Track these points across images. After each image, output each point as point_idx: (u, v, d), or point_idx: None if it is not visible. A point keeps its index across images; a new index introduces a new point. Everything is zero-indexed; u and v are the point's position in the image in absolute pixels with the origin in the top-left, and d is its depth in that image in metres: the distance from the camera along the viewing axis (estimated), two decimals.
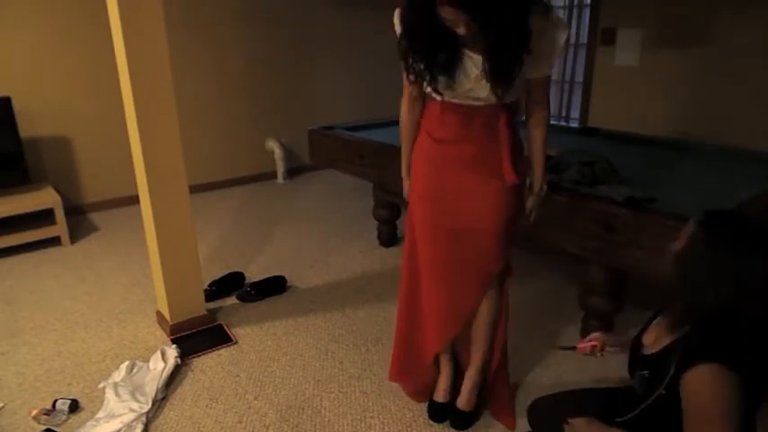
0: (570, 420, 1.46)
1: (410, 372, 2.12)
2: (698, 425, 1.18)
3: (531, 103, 1.75)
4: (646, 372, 1.36)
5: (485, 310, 1.93)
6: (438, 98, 1.70)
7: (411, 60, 1.63)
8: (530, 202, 1.89)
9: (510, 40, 1.50)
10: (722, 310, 1.20)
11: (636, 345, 1.46)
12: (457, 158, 1.75)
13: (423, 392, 2.13)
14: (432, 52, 1.58)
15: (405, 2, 1.57)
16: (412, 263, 1.97)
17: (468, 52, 1.58)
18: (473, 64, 1.59)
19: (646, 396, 1.34)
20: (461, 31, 1.47)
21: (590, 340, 1.62)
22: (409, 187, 1.96)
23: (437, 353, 2.03)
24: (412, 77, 1.68)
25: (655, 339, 1.38)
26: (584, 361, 2.37)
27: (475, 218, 1.78)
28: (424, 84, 1.68)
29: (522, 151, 1.81)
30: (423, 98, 1.82)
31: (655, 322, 1.44)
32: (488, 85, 1.58)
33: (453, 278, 1.88)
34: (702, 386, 1.17)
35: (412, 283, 1.98)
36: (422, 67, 1.62)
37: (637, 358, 1.43)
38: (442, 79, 1.62)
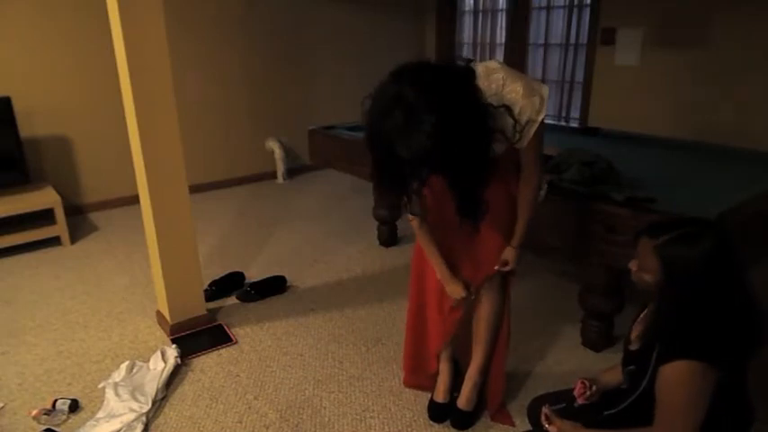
0: (546, 412, 1.52)
1: (420, 366, 2.14)
2: (666, 411, 1.29)
3: (522, 161, 1.73)
4: (632, 367, 1.43)
5: (487, 311, 1.95)
6: None
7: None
8: (506, 254, 1.83)
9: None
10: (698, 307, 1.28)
11: (626, 341, 1.51)
12: None
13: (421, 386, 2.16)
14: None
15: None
16: (421, 265, 1.98)
17: None
18: None
19: (633, 390, 1.42)
20: None
21: (583, 388, 1.60)
22: (454, 284, 1.88)
23: (440, 347, 2.04)
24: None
25: (638, 335, 1.46)
26: (584, 361, 2.38)
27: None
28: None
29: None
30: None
31: (640, 318, 1.50)
32: None
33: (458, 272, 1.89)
34: (676, 378, 1.25)
35: (420, 277, 2.01)
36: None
37: (625, 354, 1.50)
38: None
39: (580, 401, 1.55)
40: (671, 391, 1.27)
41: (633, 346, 1.46)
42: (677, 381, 1.25)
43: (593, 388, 1.56)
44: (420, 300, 2.04)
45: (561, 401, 1.61)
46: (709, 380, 1.23)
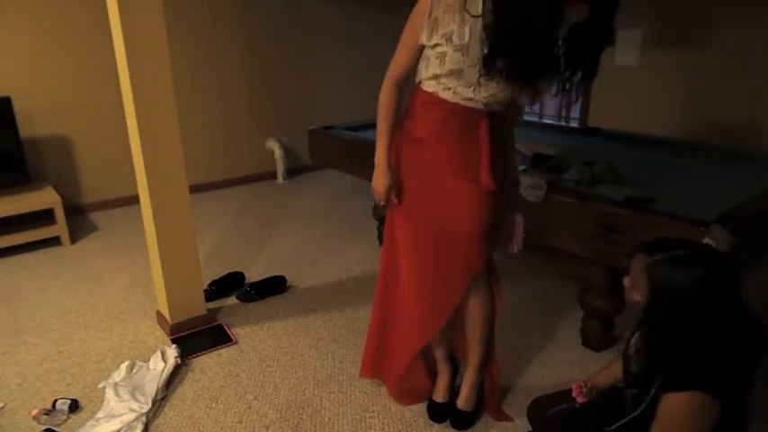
0: None
1: (383, 368, 2.13)
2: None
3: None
4: (634, 389, 1.42)
5: (477, 310, 1.92)
6: (429, 89, 1.67)
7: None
8: None
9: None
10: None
11: (625, 356, 1.49)
12: (432, 159, 1.73)
13: (412, 394, 2.12)
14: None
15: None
16: (391, 260, 1.95)
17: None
18: None
19: (633, 408, 1.41)
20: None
21: (579, 389, 1.61)
22: (384, 179, 1.81)
23: (416, 352, 1.99)
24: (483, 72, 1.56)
25: (636, 354, 1.43)
26: (584, 361, 2.38)
27: (452, 221, 1.76)
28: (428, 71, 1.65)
29: (509, 156, 1.79)
30: (405, 84, 1.74)
31: (637, 335, 1.47)
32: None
33: (433, 279, 1.85)
34: (682, 408, 1.25)
35: (388, 279, 1.98)
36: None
37: (626, 373, 1.48)
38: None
39: (579, 401, 1.57)
40: (673, 418, 1.26)
41: (633, 368, 1.44)
42: (681, 410, 1.25)
43: (589, 385, 1.57)
44: (390, 292, 1.99)
45: (561, 402, 1.62)
46: (714, 411, 1.23)
